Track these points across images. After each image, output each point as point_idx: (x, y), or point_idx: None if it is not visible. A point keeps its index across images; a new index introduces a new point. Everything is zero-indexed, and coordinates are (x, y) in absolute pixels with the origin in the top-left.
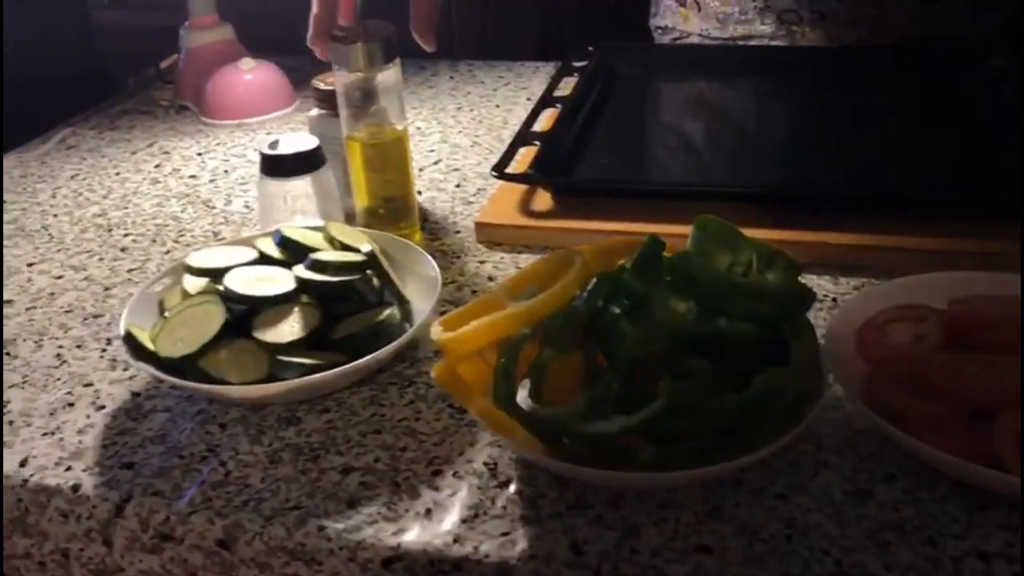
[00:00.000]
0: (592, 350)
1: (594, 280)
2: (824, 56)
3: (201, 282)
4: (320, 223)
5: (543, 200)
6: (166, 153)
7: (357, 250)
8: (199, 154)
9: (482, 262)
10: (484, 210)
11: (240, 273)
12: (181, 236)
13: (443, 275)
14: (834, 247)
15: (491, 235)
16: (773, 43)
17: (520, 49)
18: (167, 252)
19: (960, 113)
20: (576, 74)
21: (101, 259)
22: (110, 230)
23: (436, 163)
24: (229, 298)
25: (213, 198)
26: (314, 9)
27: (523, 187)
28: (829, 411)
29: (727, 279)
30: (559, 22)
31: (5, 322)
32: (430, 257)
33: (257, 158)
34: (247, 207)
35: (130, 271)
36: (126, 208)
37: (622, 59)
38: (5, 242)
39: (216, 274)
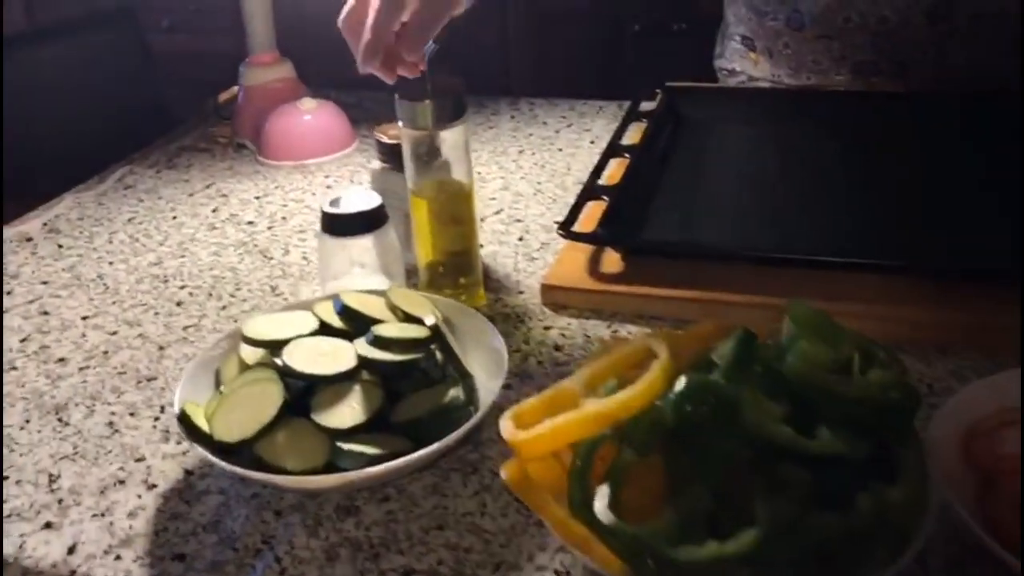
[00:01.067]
0: (676, 453)
1: (682, 382)
2: (912, 103)
3: (259, 352)
4: (382, 282)
5: (612, 260)
6: (223, 196)
7: (420, 321)
8: (257, 198)
9: (548, 328)
10: (550, 270)
11: (300, 347)
12: (238, 290)
13: (507, 342)
14: (928, 324)
15: (557, 298)
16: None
17: (580, 85)
18: (223, 308)
19: None
20: (644, 119)
21: (156, 314)
22: (166, 281)
23: (498, 213)
24: (287, 374)
25: (271, 247)
26: (366, 36)
27: (591, 245)
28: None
29: (826, 382)
30: (618, 57)
31: (59, 383)
32: (495, 329)
33: (315, 204)
34: (305, 258)
35: (186, 328)
36: (183, 257)
37: (690, 102)
38: (62, 292)
39: (274, 346)
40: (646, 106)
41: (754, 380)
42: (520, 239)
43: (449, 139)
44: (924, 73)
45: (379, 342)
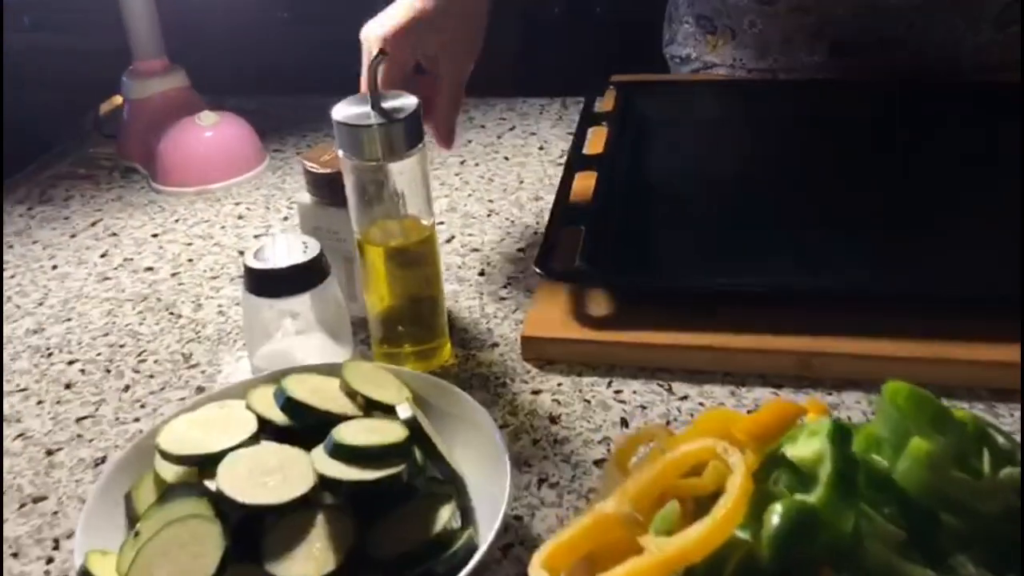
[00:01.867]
0: None
1: (777, 512)
2: (902, 93)
3: (181, 469)
4: (324, 345)
5: (599, 300)
6: (114, 235)
7: (388, 408)
8: (154, 235)
9: (536, 392)
10: (528, 318)
11: (237, 463)
12: (142, 362)
13: (488, 413)
14: (985, 364)
15: (541, 351)
16: (824, 75)
17: (504, 81)
18: (126, 388)
19: None
20: (604, 123)
21: (40, 402)
22: (49, 354)
23: (449, 241)
24: (225, 504)
25: (178, 301)
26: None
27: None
28: None
29: (959, 493)
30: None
31: None
32: (485, 412)
33: (227, 241)
34: (221, 313)
35: (80, 421)
36: (69, 320)
37: (650, 99)
38: None
39: (204, 463)
40: (603, 111)
41: (862, 496)
42: (481, 274)
43: (403, 170)
44: (905, 53)
45: (343, 452)
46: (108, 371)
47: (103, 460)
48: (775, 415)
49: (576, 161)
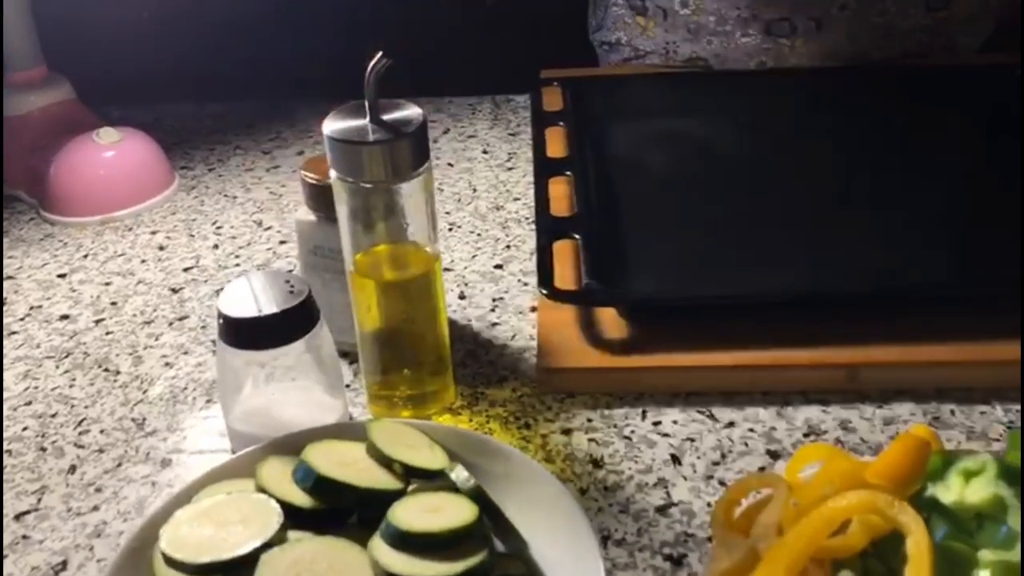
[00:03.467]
0: None
1: None
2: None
3: None
4: (313, 397)
5: (610, 320)
6: (10, 279)
7: (428, 473)
8: (61, 276)
9: (567, 431)
10: (540, 347)
11: (274, 570)
12: (83, 433)
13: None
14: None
15: (561, 383)
16: (753, 61)
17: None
18: (71, 469)
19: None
20: (562, 123)
21: None
22: None
23: None
24: None
25: (110, 354)
26: None
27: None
28: None
29: None
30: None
31: None
32: (543, 469)
33: (154, 277)
34: (168, 365)
35: (20, 519)
36: None
37: (600, 95)
38: None
39: (226, 571)
40: (553, 110)
41: None
42: (462, 297)
43: (407, 193)
44: (840, 31)
45: (410, 542)
46: (43, 449)
47: (64, 566)
48: (909, 453)
49: (544, 166)
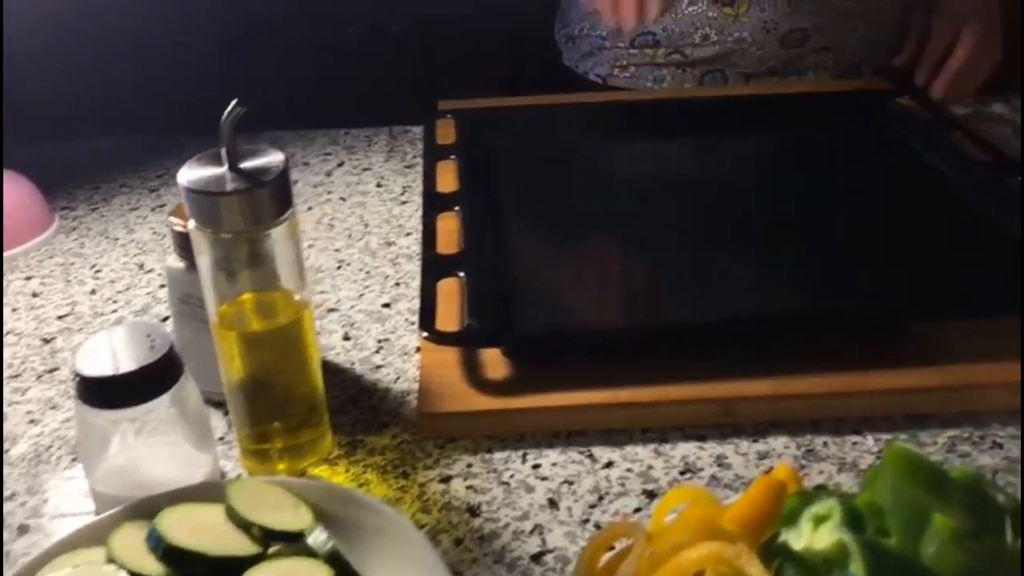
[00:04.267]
0: None
1: None
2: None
3: None
4: (180, 452)
5: (494, 360)
6: None
7: (291, 535)
8: None
9: (446, 479)
10: (421, 390)
11: None
12: None
13: (397, 511)
14: (902, 391)
15: (441, 428)
16: (699, 33)
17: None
18: None
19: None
20: (454, 156)
21: None
22: None
23: None
24: None
25: None
26: None
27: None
28: None
29: (989, 569)
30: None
31: None
32: (408, 522)
33: (23, 326)
34: (33, 422)
35: None
36: None
37: (493, 128)
38: None
39: None
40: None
41: None
42: (347, 338)
43: (273, 240)
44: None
45: None
46: None
47: None
48: (764, 497)
49: (433, 202)
